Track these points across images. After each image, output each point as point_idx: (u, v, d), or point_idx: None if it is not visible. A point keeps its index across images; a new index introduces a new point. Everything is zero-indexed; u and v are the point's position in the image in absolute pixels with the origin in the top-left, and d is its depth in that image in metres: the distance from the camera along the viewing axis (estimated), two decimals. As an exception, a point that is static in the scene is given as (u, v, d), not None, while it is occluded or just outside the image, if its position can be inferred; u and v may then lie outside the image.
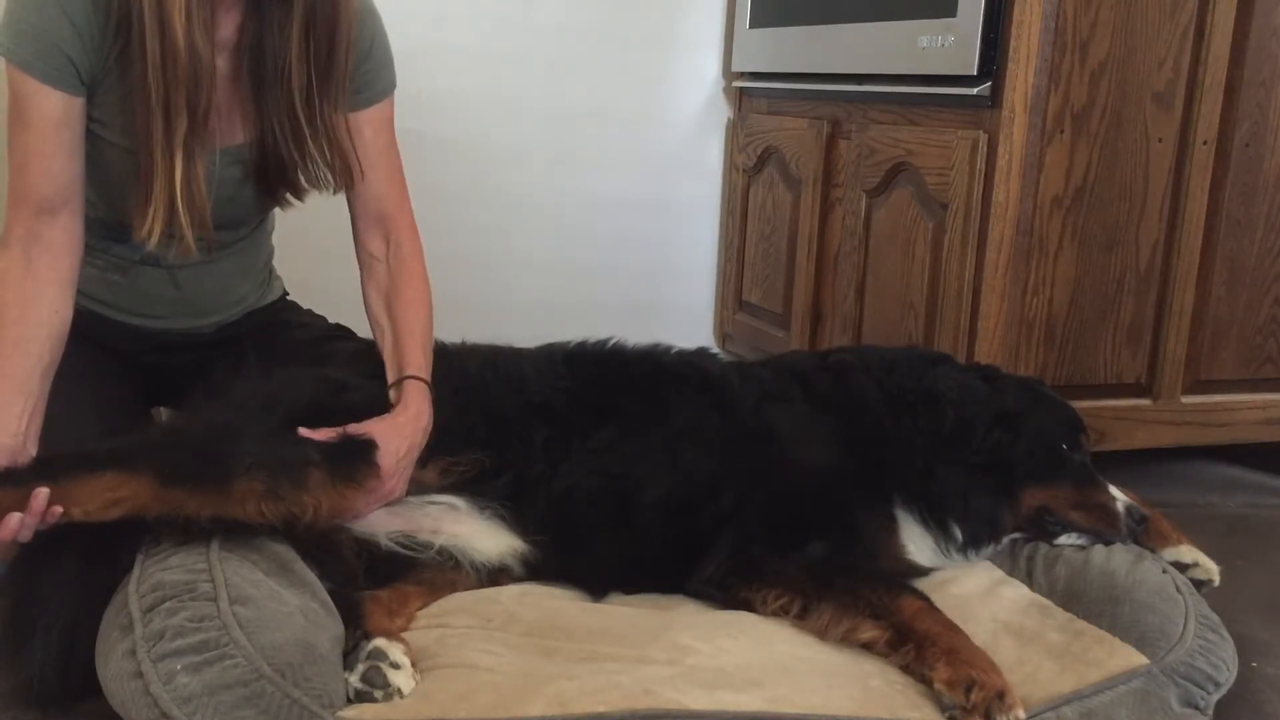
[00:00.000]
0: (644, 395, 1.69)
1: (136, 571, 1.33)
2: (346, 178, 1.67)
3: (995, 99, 2.09)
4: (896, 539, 1.63)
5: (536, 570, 1.60)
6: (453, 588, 1.56)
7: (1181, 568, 1.64)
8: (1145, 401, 2.35)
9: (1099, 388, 2.29)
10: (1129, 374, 2.32)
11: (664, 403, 1.69)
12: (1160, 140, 2.21)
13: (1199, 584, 1.63)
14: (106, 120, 1.55)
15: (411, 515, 1.56)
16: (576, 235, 3.04)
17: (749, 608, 1.52)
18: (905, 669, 1.36)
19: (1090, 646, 1.42)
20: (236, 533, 1.37)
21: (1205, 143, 2.24)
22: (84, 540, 1.35)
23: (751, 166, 3.00)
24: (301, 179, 1.66)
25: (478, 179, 2.90)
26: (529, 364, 1.72)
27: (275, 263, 2.00)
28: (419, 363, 1.62)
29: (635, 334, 1.81)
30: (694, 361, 1.78)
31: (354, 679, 1.27)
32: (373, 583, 1.49)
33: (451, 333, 1.76)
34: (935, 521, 1.65)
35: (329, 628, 1.33)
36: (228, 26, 1.56)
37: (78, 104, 1.51)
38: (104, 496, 1.33)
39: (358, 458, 1.46)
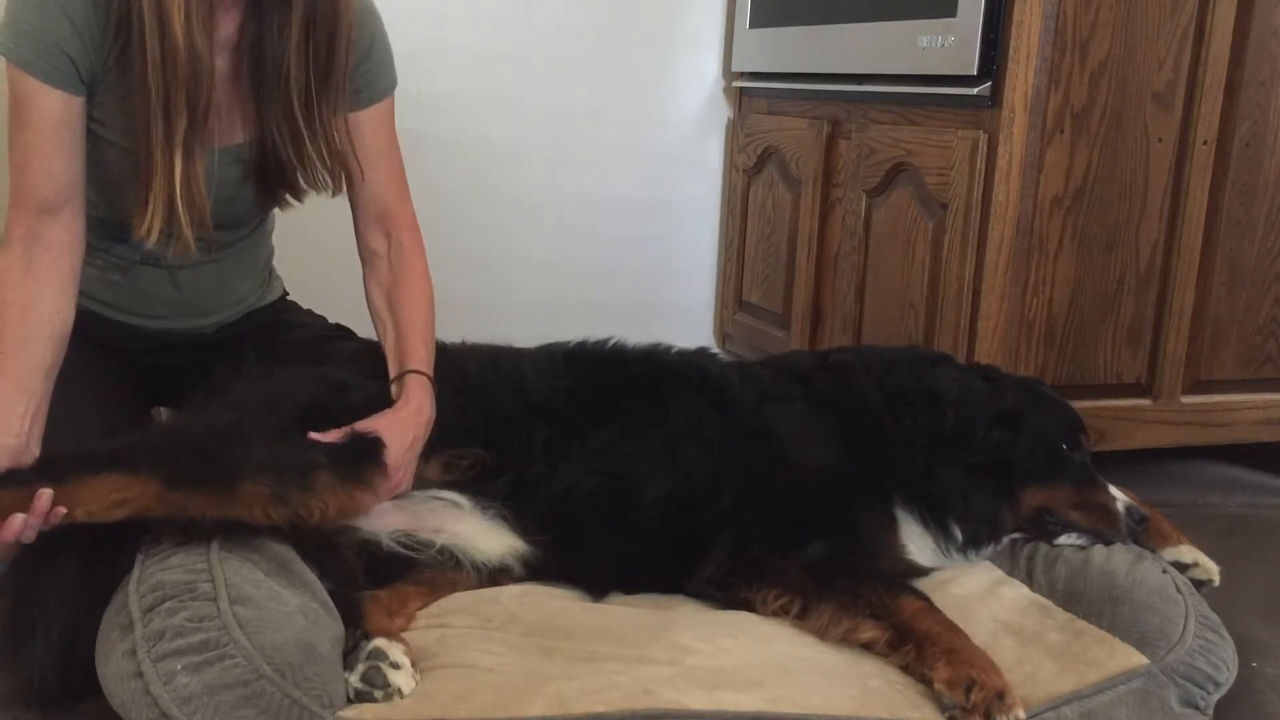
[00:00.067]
0: (644, 395, 1.69)
1: (136, 571, 1.33)
2: (344, 180, 1.68)
3: (995, 99, 2.09)
4: (896, 539, 1.63)
5: (537, 570, 1.60)
6: (453, 588, 1.56)
7: (1181, 568, 1.64)
8: (1145, 401, 2.35)
9: (1099, 388, 2.29)
10: (1129, 374, 2.32)
11: (664, 403, 1.69)
12: (1160, 140, 2.21)
13: (1199, 584, 1.63)
14: (107, 120, 1.55)
15: (416, 510, 1.56)
16: (576, 235, 3.04)
17: (749, 608, 1.52)
18: (905, 669, 1.36)
19: (1090, 646, 1.42)
20: (237, 533, 1.37)
21: (1205, 143, 2.24)
22: (84, 540, 1.35)
23: (751, 166, 3.00)
24: (300, 180, 1.66)
25: (478, 179, 2.90)
26: (529, 364, 1.72)
27: (275, 263, 2.00)
28: (420, 357, 1.63)
29: (635, 334, 1.81)
30: (694, 361, 1.78)
31: (354, 679, 1.27)
32: (373, 583, 1.49)
33: (451, 333, 1.76)
34: (935, 521, 1.65)
35: (329, 628, 1.33)
36: (228, 26, 1.56)
37: (78, 103, 1.51)
38: (108, 498, 1.33)
39: (365, 458, 1.46)
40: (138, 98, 1.48)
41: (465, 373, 1.69)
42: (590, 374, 1.72)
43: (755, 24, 2.90)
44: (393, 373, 1.64)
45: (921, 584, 1.55)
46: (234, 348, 1.83)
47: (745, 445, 1.66)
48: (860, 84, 2.51)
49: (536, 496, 1.59)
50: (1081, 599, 1.53)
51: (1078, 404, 1.82)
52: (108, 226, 1.66)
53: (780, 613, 1.49)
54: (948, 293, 2.21)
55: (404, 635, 1.39)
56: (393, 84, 1.75)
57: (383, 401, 1.58)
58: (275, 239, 1.96)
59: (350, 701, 1.26)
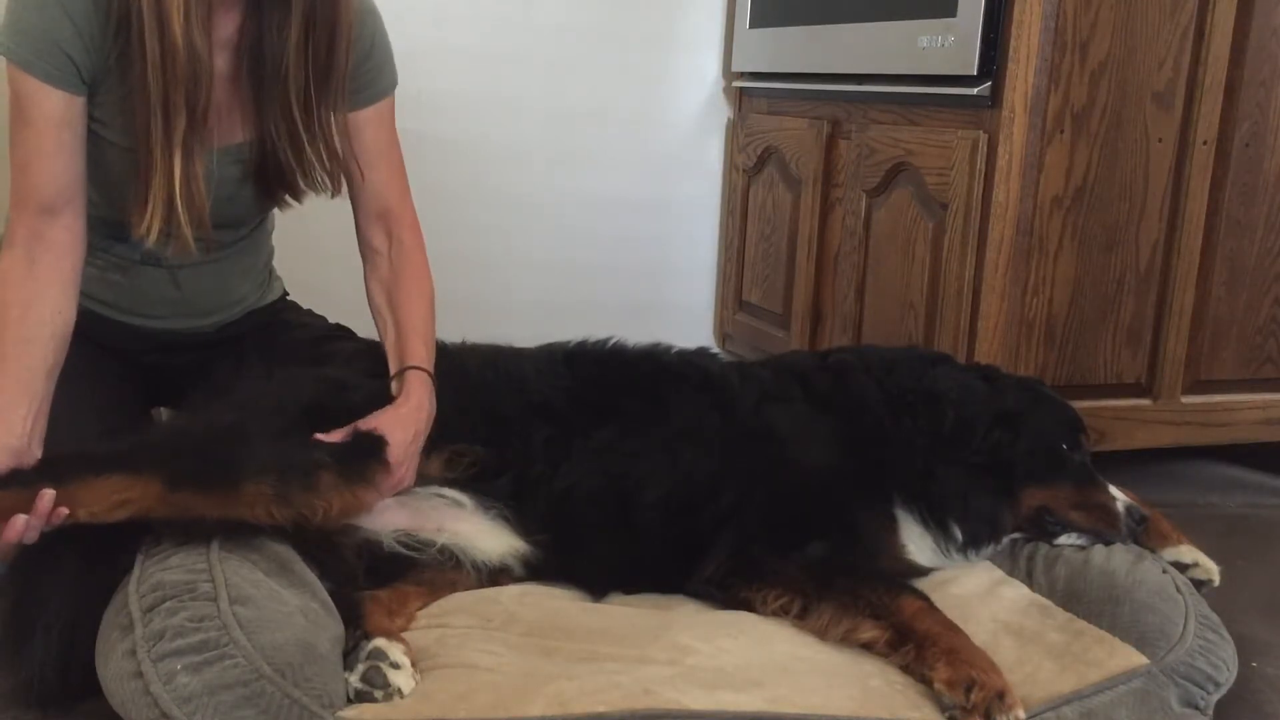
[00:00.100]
0: (644, 395, 1.70)
1: (136, 571, 1.33)
2: (342, 183, 1.69)
3: (995, 99, 2.09)
4: (896, 539, 1.63)
5: (537, 570, 1.60)
6: (453, 588, 1.56)
7: (1181, 568, 1.64)
8: (1145, 401, 2.35)
9: (1099, 388, 2.29)
10: (1129, 374, 2.32)
11: (664, 402, 1.69)
12: (1160, 140, 2.21)
13: (1199, 584, 1.63)
14: (107, 120, 1.55)
15: (418, 507, 1.56)
16: (576, 235, 3.04)
17: (749, 608, 1.52)
18: (905, 669, 1.36)
19: (1090, 646, 1.42)
20: (238, 533, 1.37)
21: (1205, 143, 2.24)
22: (84, 540, 1.35)
23: (751, 166, 3.00)
24: (300, 181, 1.66)
25: (478, 179, 2.90)
26: (529, 364, 1.72)
27: (275, 263, 2.00)
28: (420, 354, 1.64)
29: (635, 334, 1.81)
30: (694, 361, 1.78)
31: (354, 679, 1.27)
32: (373, 583, 1.49)
33: (451, 333, 1.77)
34: (935, 521, 1.65)
35: (329, 628, 1.33)
36: (228, 26, 1.56)
37: (79, 104, 1.51)
38: (110, 498, 1.33)
39: (367, 456, 1.47)
40: (137, 97, 1.48)
41: (465, 372, 1.69)
42: (590, 374, 1.72)
43: (755, 24, 2.90)
44: (393, 369, 1.64)
45: (921, 584, 1.55)
46: (234, 348, 1.83)
47: (745, 445, 1.66)
48: (860, 84, 2.51)
49: (537, 496, 1.59)
50: (1081, 599, 1.53)
51: (1078, 404, 1.82)
52: (108, 226, 1.66)
53: (780, 613, 1.49)
54: (948, 293, 2.21)
55: (404, 635, 1.39)
56: (393, 83, 1.75)
57: (383, 400, 1.58)
58: (275, 239, 1.96)
59: (350, 701, 1.26)
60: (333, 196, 1.71)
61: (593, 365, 1.74)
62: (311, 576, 1.41)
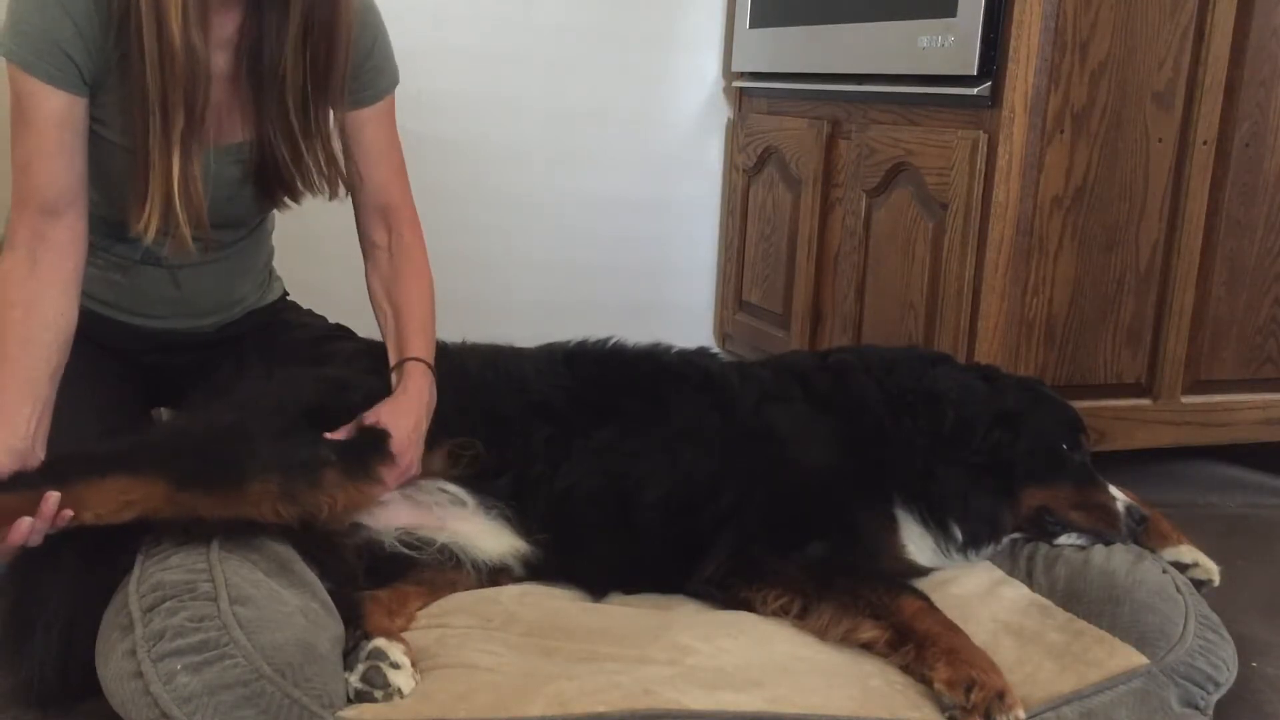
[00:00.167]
0: (644, 395, 1.70)
1: (136, 571, 1.33)
2: (340, 187, 1.70)
3: (995, 99, 2.09)
4: (896, 539, 1.63)
5: (537, 570, 1.60)
6: (453, 588, 1.56)
7: (1181, 568, 1.64)
8: (1145, 401, 2.35)
9: (1099, 388, 2.29)
10: (1129, 374, 2.32)
11: (664, 402, 1.69)
12: (1160, 140, 2.21)
13: (1199, 584, 1.63)
14: (109, 120, 1.55)
15: (422, 501, 1.57)
16: (576, 235, 3.04)
17: (749, 608, 1.52)
18: (905, 669, 1.36)
19: (1090, 646, 1.42)
20: (239, 533, 1.38)
21: (1205, 143, 2.24)
22: (84, 540, 1.35)
23: (751, 166, 3.00)
24: (298, 183, 1.67)
25: (478, 179, 2.90)
26: (529, 363, 1.72)
27: (275, 263, 2.00)
28: (419, 345, 1.65)
29: (635, 334, 1.81)
30: (694, 361, 1.78)
31: (354, 679, 1.27)
32: (373, 583, 1.49)
33: (452, 333, 1.77)
34: (935, 521, 1.65)
35: (329, 628, 1.33)
36: (228, 26, 1.56)
37: (81, 104, 1.51)
38: (116, 500, 1.33)
39: (370, 451, 1.48)
40: (135, 96, 1.48)
41: (466, 372, 1.69)
42: (590, 374, 1.72)
43: (755, 24, 2.90)
44: (392, 361, 1.66)
45: (921, 584, 1.55)
46: (234, 348, 1.83)
47: (745, 445, 1.66)
48: (860, 84, 2.51)
49: (537, 496, 1.59)
50: (1081, 599, 1.53)
51: (1078, 404, 1.82)
52: (109, 225, 1.66)
53: (780, 613, 1.49)
54: (948, 293, 2.21)
55: (404, 635, 1.39)
56: (395, 81, 1.76)
57: (383, 398, 1.58)
58: (275, 239, 1.96)
59: (350, 701, 1.26)
60: (330, 199, 1.71)
61: (593, 365, 1.74)
62: (311, 576, 1.41)
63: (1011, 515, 1.68)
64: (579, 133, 2.98)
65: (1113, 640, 1.43)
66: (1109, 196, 2.20)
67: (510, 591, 1.56)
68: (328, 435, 1.49)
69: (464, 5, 2.81)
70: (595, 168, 3.01)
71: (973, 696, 1.26)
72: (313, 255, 2.25)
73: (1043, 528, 1.69)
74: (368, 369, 1.67)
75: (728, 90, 3.11)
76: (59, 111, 1.49)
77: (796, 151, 2.76)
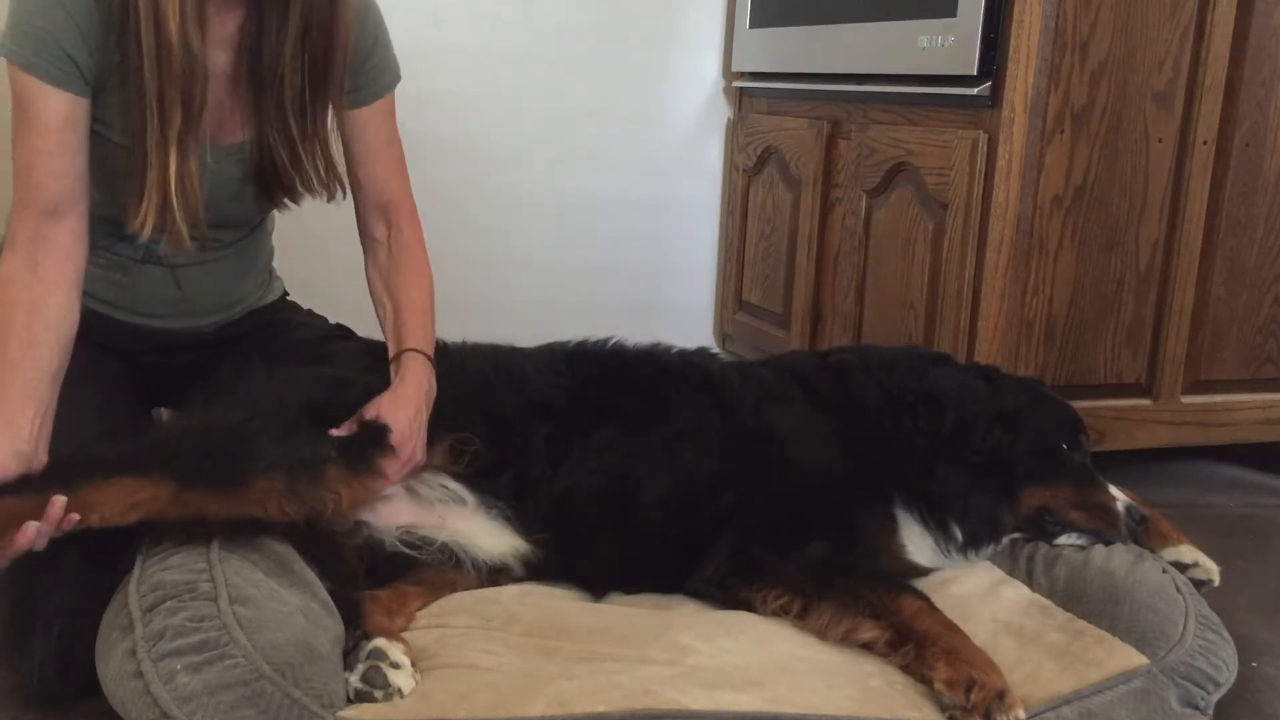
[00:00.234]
0: (644, 395, 1.70)
1: (136, 571, 1.33)
2: (338, 190, 1.70)
3: (995, 99, 2.09)
4: (896, 539, 1.63)
5: (537, 570, 1.60)
6: (453, 588, 1.56)
7: (1181, 568, 1.64)
8: (1145, 401, 2.35)
9: (1099, 388, 2.29)
10: (1129, 374, 2.32)
11: (664, 402, 1.69)
12: (1160, 140, 2.21)
13: (1199, 584, 1.63)
14: (110, 120, 1.55)
15: (424, 496, 1.58)
16: (576, 235, 3.04)
17: (749, 608, 1.52)
18: (905, 669, 1.36)
19: (1090, 646, 1.42)
20: (242, 532, 1.38)
21: (1205, 143, 2.24)
22: (84, 540, 1.35)
23: (751, 166, 3.00)
24: (297, 184, 1.67)
25: (478, 179, 2.90)
26: (530, 363, 1.72)
27: (275, 263, 2.00)
28: (417, 336, 1.66)
29: (635, 334, 1.81)
30: (694, 361, 1.79)
31: (354, 679, 1.27)
32: (373, 583, 1.49)
33: (452, 332, 1.77)
34: (935, 521, 1.65)
35: (329, 628, 1.33)
36: (229, 25, 1.57)
37: (83, 105, 1.51)
38: (122, 502, 1.33)
39: (372, 445, 1.49)
40: (133, 94, 1.49)
41: (466, 372, 1.69)
42: (591, 373, 1.72)
43: (755, 24, 2.90)
44: (391, 352, 1.67)
45: (921, 584, 1.55)
46: (234, 348, 1.83)
47: (745, 445, 1.66)
48: (860, 84, 2.51)
49: (537, 495, 1.59)
50: (1081, 599, 1.53)
51: (1078, 404, 1.82)
52: (110, 224, 1.66)
53: (780, 613, 1.49)
54: (948, 293, 2.21)
55: (404, 635, 1.39)
56: (396, 79, 1.76)
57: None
58: (275, 239, 1.97)
59: (350, 701, 1.26)
60: (329, 200, 1.72)
61: (593, 365, 1.74)
62: (312, 576, 1.41)
63: (1011, 515, 1.68)
64: (579, 133, 2.98)
65: (1113, 640, 1.43)
66: (1109, 196, 2.19)
67: (510, 591, 1.56)
68: (330, 432, 1.50)
69: (464, 5, 2.81)
70: (595, 168, 3.01)
71: (973, 696, 1.26)
72: (313, 255, 2.25)
73: (1043, 528, 1.69)
74: (368, 368, 1.67)
75: (728, 90, 3.11)
76: (61, 112, 1.49)
77: (796, 151, 2.76)
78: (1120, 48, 2.12)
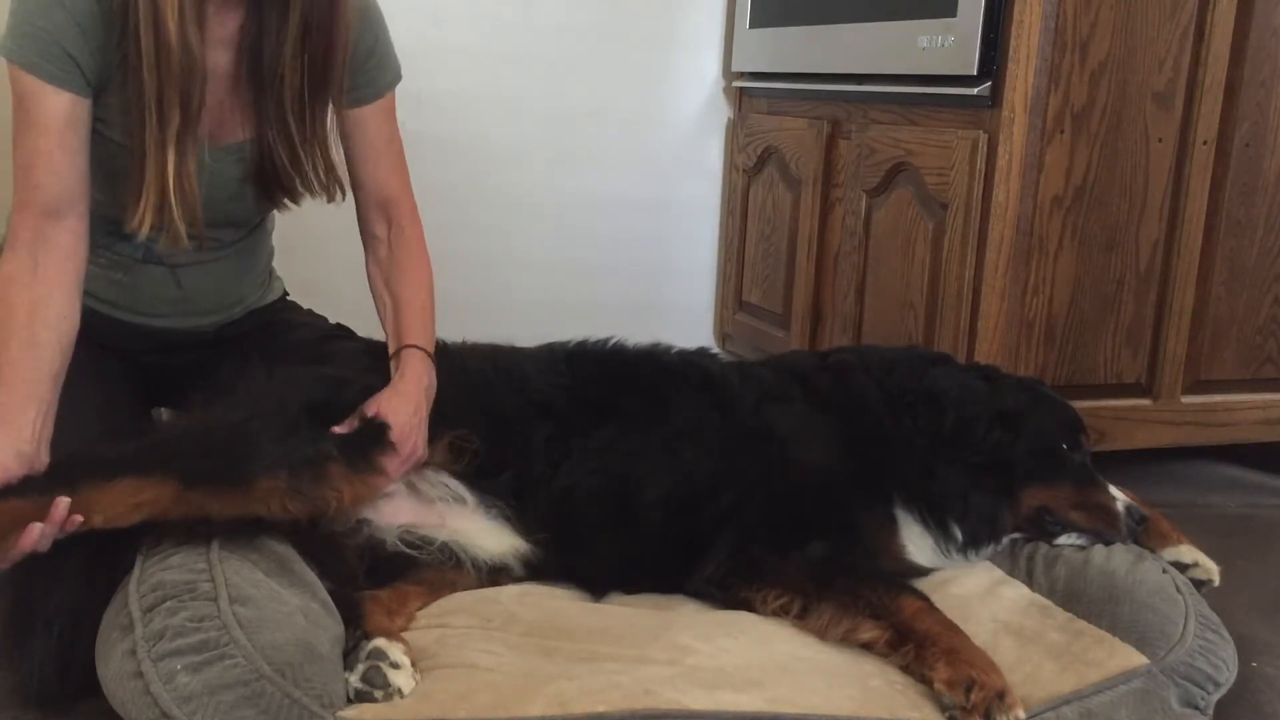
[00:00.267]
0: (644, 394, 1.70)
1: (136, 571, 1.33)
2: (337, 191, 1.71)
3: (995, 99, 2.09)
4: (896, 539, 1.63)
5: (537, 570, 1.60)
6: (453, 588, 1.56)
7: (1181, 568, 1.64)
8: (1145, 401, 2.35)
9: (1099, 388, 2.29)
10: (1129, 374, 2.32)
11: (664, 402, 1.69)
12: (1160, 140, 2.21)
13: (1199, 584, 1.63)
14: (111, 120, 1.55)
15: (425, 495, 1.58)
16: (576, 235, 3.04)
17: (749, 608, 1.52)
18: (905, 669, 1.36)
19: (1090, 646, 1.42)
20: (243, 532, 1.38)
21: (1205, 143, 2.24)
22: (84, 540, 1.35)
23: (751, 166, 3.00)
24: (297, 184, 1.67)
25: (478, 179, 2.90)
26: (530, 363, 1.72)
27: (275, 263, 2.00)
28: (417, 332, 1.67)
29: (635, 334, 1.81)
30: (694, 361, 1.79)
31: (354, 679, 1.27)
32: (373, 583, 1.49)
33: (452, 332, 1.77)
34: (935, 521, 1.65)
35: (329, 628, 1.33)
36: (229, 24, 1.57)
37: (84, 105, 1.51)
38: (125, 502, 1.33)
39: (373, 443, 1.50)
40: (132, 93, 1.49)
41: (466, 371, 1.69)
42: (591, 373, 1.72)
43: (755, 24, 2.90)
44: (391, 349, 1.67)
45: (921, 584, 1.55)
46: (235, 347, 1.83)
47: (745, 445, 1.66)
48: (860, 84, 2.51)
49: (537, 495, 1.59)
50: (1081, 599, 1.53)
51: (1078, 404, 1.82)
52: (111, 224, 1.66)
53: (780, 613, 1.49)
54: (948, 293, 2.21)
55: (404, 635, 1.39)
56: (397, 78, 1.77)
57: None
58: (275, 239, 1.97)
59: (350, 701, 1.26)
60: (328, 201, 1.72)
61: (593, 365, 1.74)
62: (312, 576, 1.41)
63: (1011, 515, 1.68)
64: (579, 133, 2.98)
65: (1113, 640, 1.43)
66: (1109, 196, 2.20)
67: (510, 591, 1.56)
68: (332, 430, 1.50)
69: (464, 5, 2.81)
70: (595, 168, 3.01)
71: (973, 696, 1.26)
72: (313, 255, 2.25)
73: (1043, 528, 1.69)
74: (368, 368, 1.67)
75: (728, 90, 3.11)
76: (62, 112, 1.49)
77: (796, 151, 2.76)
78: (1120, 48, 2.12)
